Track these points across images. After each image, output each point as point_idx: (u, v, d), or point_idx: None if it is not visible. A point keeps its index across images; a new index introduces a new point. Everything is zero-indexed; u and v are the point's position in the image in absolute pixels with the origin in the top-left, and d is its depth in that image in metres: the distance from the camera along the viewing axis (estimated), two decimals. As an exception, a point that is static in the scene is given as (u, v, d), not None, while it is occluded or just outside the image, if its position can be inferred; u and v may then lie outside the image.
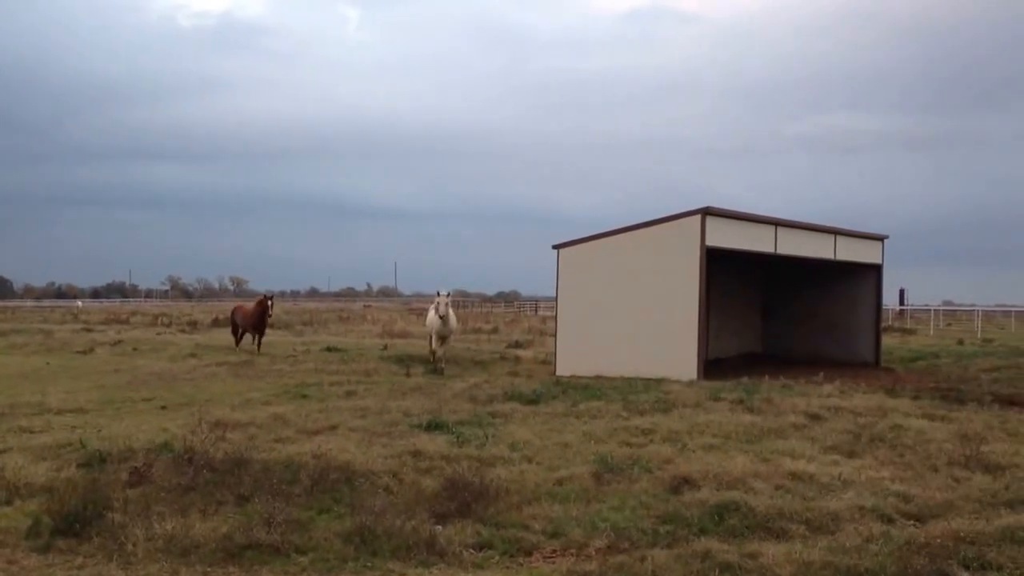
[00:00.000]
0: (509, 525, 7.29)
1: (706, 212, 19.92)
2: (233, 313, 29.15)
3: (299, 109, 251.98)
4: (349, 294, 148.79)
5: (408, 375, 20.35)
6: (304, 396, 16.10)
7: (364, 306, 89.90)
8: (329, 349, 26.49)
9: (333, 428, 11.91)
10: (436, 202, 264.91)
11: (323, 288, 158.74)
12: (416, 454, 9.83)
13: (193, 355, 25.21)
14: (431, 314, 23.17)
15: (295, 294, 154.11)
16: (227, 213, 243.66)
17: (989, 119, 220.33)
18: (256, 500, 7.81)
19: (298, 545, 6.84)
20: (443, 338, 22.78)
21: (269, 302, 26.60)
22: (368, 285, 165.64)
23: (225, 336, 30.79)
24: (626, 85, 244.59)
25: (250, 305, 28.56)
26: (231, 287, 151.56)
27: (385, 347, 27.76)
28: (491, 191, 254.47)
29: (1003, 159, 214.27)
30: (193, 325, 43.63)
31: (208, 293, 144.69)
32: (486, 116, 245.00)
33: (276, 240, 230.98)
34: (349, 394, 16.45)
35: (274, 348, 27.01)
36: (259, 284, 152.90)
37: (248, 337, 27.49)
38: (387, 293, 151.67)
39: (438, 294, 22.52)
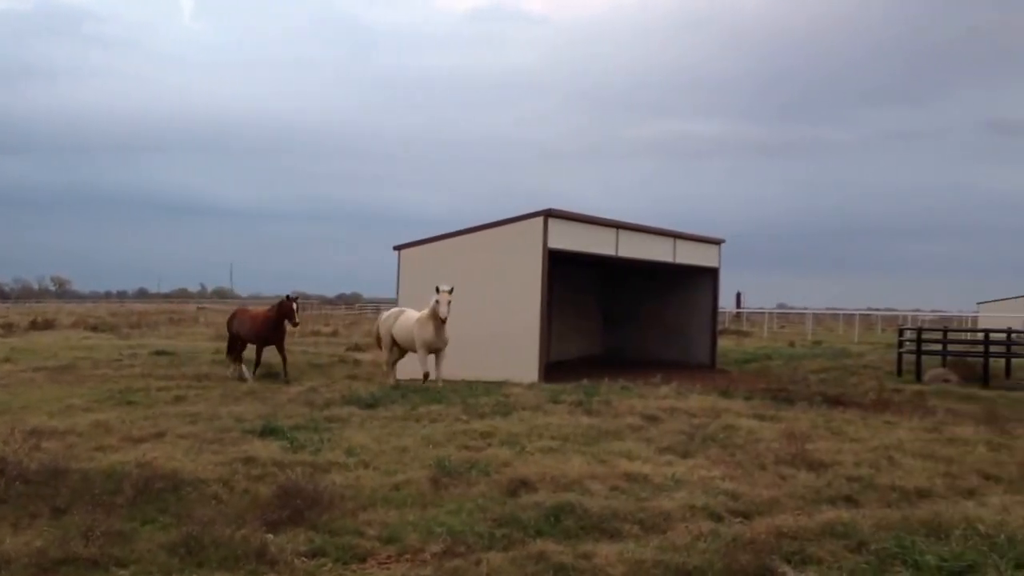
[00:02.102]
0: (343, 532, 7.12)
1: (548, 214, 20.17)
2: (231, 321, 21.60)
3: (129, 100, 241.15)
4: (181, 295, 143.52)
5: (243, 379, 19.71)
6: (130, 402, 15.32)
7: (198, 308, 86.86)
8: (158, 353, 25.43)
9: (160, 435, 11.36)
10: (274, 201, 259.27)
11: (153, 289, 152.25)
12: (248, 461, 9.49)
13: (8, 359, 23.66)
14: (410, 320, 18.18)
15: (122, 295, 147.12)
16: (48, 209, 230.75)
17: (826, 129, 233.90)
18: (74, 512, 7.39)
19: (118, 558, 6.46)
20: (437, 351, 17.63)
21: (295, 304, 20.24)
22: (202, 286, 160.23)
23: (43, 340, 29.05)
24: (472, 84, 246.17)
25: (259, 309, 21.50)
26: (52, 287, 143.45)
27: (219, 351, 26.88)
28: (332, 190, 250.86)
29: (837, 167, 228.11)
30: (8, 328, 40.98)
31: (26, 294, 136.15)
32: (327, 113, 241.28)
33: (102, 238, 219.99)
34: (178, 399, 15.79)
35: (98, 352, 25.67)
36: (83, 284, 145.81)
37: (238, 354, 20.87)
38: (222, 295, 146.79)
39: (438, 291, 17.05)
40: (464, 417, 12.89)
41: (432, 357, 17.60)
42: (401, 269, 22.01)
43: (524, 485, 8.58)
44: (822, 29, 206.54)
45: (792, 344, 38.57)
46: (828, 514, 7.52)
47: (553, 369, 21.60)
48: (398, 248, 22.21)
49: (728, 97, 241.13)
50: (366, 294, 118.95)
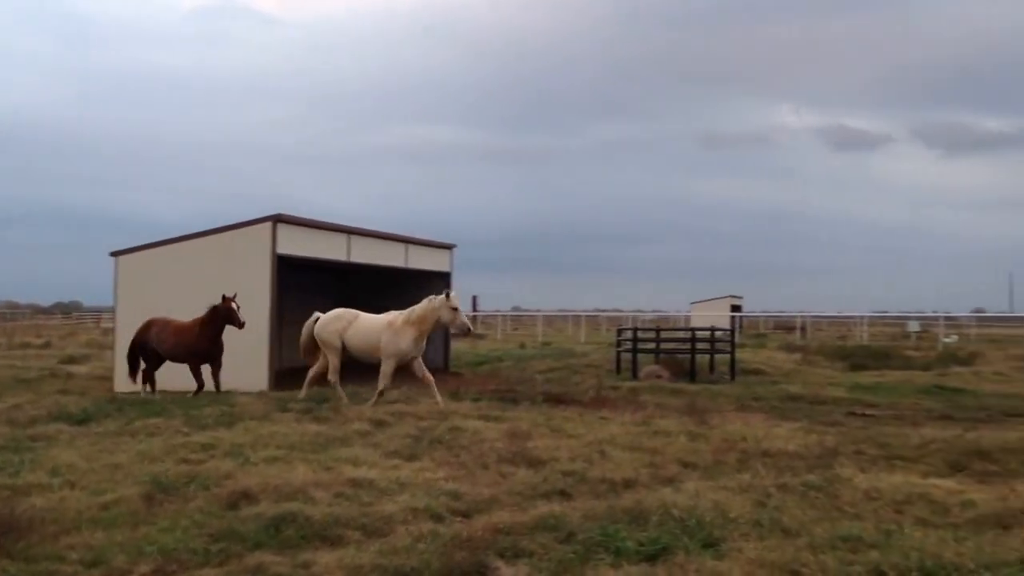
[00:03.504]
0: (42, 559, 6.64)
1: (277, 219, 19.82)
2: (146, 334, 17.87)
3: None
4: None
5: (-66, 398, 17.90)
6: None
7: None
8: None
9: None
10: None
11: None
12: (-67, 488, 8.67)
13: None
14: (374, 325, 16.71)
15: None
16: None
17: (557, 138, 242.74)
18: None
19: None
20: (410, 361, 16.45)
21: (235, 304, 16.99)
22: None
23: None
24: (200, 84, 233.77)
25: (183, 320, 17.53)
26: None
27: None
28: (44, 192, 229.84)
29: (566, 175, 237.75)
30: None
31: None
32: (40, 109, 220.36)
33: None
34: None
35: None
36: None
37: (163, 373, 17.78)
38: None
39: (447, 296, 16.06)
40: (185, 429, 12.36)
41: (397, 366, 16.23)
42: (119, 276, 20.84)
43: (245, 497, 8.35)
44: (556, 43, 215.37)
45: (523, 346, 40.06)
46: (542, 509, 7.85)
47: (285, 376, 21.14)
48: (115, 254, 21.02)
49: (468, 104, 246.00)
50: (88, 302, 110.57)
